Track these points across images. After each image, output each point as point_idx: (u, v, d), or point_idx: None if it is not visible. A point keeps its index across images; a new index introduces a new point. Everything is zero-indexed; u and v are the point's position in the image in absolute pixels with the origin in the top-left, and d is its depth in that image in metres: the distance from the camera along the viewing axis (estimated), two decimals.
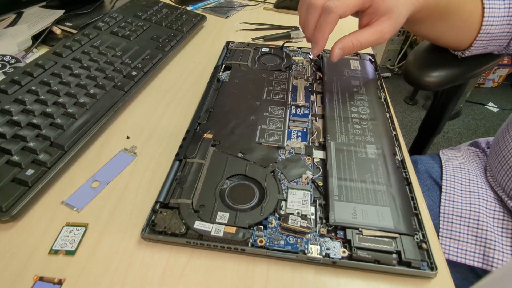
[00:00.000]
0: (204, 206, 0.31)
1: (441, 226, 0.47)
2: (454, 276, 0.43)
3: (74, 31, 0.58)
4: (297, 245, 0.29)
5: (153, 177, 0.36)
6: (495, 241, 0.43)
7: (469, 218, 0.46)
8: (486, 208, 0.46)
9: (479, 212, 0.46)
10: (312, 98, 0.46)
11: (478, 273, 0.45)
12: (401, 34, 1.89)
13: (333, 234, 0.30)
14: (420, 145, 0.81)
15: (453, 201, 0.49)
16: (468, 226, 0.46)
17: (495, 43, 0.51)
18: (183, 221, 0.30)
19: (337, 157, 0.36)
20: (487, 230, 0.44)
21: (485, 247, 0.44)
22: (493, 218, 0.46)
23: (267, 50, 0.55)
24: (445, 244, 0.46)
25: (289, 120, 0.42)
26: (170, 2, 0.72)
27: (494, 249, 0.43)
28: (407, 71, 0.56)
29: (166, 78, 0.51)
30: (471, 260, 0.44)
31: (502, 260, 0.42)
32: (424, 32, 0.51)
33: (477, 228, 0.45)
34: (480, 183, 0.50)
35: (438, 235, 0.46)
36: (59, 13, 0.59)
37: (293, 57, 0.54)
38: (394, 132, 0.40)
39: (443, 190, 0.51)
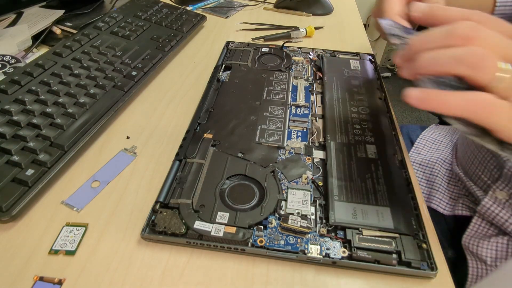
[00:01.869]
0: (204, 206, 0.31)
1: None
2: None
3: (74, 31, 0.58)
4: (297, 245, 0.29)
5: (153, 177, 0.36)
6: (440, 184, 0.53)
7: (426, 166, 0.56)
8: (443, 161, 0.55)
9: (435, 163, 0.55)
10: (312, 98, 0.46)
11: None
12: None
13: (333, 234, 0.30)
14: None
15: (419, 153, 0.59)
16: (424, 172, 0.55)
17: None
18: (183, 221, 0.30)
19: (337, 157, 0.36)
20: (436, 176, 0.54)
21: (431, 188, 0.53)
22: (446, 169, 0.54)
23: (267, 50, 0.55)
24: None
25: (289, 120, 0.42)
26: (170, 2, 0.72)
27: (437, 190, 0.52)
28: None
29: (166, 78, 0.51)
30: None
31: (440, 199, 0.52)
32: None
33: (430, 174, 0.55)
34: (448, 145, 0.58)
35: None
36: (59, 13, 0.59)
37: (293, 57, 0.54)
38: (394, 132, 0.40)
39: (414, 145, 0.60)
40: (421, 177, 0.55)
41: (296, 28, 0.64)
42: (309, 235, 0.30)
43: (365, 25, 1.70)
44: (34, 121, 0.37)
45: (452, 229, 0.51)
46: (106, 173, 0.36)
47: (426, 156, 0.57)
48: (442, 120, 0.84)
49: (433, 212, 0.51)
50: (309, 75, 0.50)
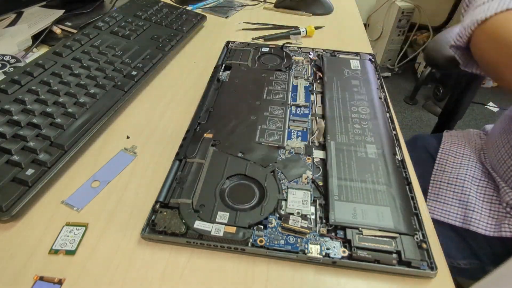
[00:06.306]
0: (204, 206, 0.31)
1: (429, 190, 0.53)
2: (437, 233, 0.47)
3: (74, 31, 0.58)
4: (297, 245, 0.29)
5: (153, 177, 0.36)
6: (475, 204, 0.49)
7: (455, 185, 0.51)
8: (472, 177, 0.52)
9: (464, 180, 0.51)
10: (312, 98, 0.46)
11: (459, 232, 0.50)
12: (401, 34, 1.88)
13: (333, 234, 0.30)
14: (441, 130, 0.84)
15: (444, 171, 0.55)
16: (454, 192, 0.52)
17: None
18: (183, 221, 0.30)
19: (337, 157, 0.36)
20: (469, 195, 0.50)
21: (466, 209, 0.49)
22: (478, 186, 0.51)
23: (267, 50, 0.55)
24: (431, 206, 0.52)
25: (289, 120, 0.42)
26: (170, 2, 0.72)
27: (473, 211, 0.49)
28: (428, 54, 0.64)
29: (166, 78, 0.51)
30: (453, 220, 0.50)
31: (479, 220, 0.48)
32: None
33: (461, 193, 0.51)
34: (471, 157, 0.55)
35: (426, 198, 0.53)
36: (59, 12, 0.59)
37: (293, 57, 0.54)
38: (394, 132, 0.40)
39: (436, 161, 0.56)
40: (452, 196, 0.51)
41: (296, 28, 0.64)
42: (309, 235, 0.30)
43: (365, 25, 1.70)
44: (34, 120, 0.37)
45: (500, 253, 0.48)
46: (106, 173, 0.36)
47: (453, 173, 0.53)
48: (440, 121, 0.84)
49: (472, 235, 0.48)
50: (309, 75, 0.50)
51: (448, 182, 0.52)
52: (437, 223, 0.50)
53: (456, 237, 0.50)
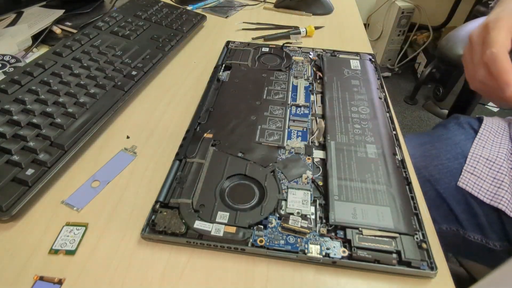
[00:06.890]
0: (204, 206, 0.31)
1: (467, 162, 0.53)
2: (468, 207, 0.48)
3: (74, 31, 0.58)
4: (297, 245, 0.29)
5: (153, 177, 0.36)
6: (509, 185, 0.48)
7: (494, 162, 0.51)
8: (510, 160, 0.51)
9: (504, 160, 0.50)
10: (312, 98, 0.46)
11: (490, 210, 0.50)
12: (401, 34, 1.88)
13: (333, 234, 0.30)
14: None
15: (483, 147, 0.54)
16: (490, 168, 0.50)
17: None
18: (183, 221, 0.30)
19: (337, 157, 0.36)
20: (506, 175, 0.49)
21: (498, 187, 0.49)
22: None
23: (267, 49, 0.55)
24: (466, 177, 0.51)
25: (289, 119, 0.42)
26: (170, 2, 0.72)
27: (506, 191, 0.48)
28: (441, 51, 0.66)
29: (166, 78, 0.51)
30: (483, 196, 0.49)
31: (509, 201, 0.47)
32: None
33: (498, 172, 0.50)
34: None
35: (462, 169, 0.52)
36: (59, 12, 0.59)
37: (293, 57, 0.54)
38: (394, 132, 0.40)
39: (477, 136, 0.56)
40: (487, 173, 0.50)
41: (296, 28, 0.64)
42: (309, 235, 0.30)
43: (365, 25, 1.70)
44: (34, 120, 0.37)
45: None
46: (106, 173, 0.36)
47: (493, 151, 0.52)
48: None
49: (498, 216, 0.48)
50: (309, 74, 0.50)
51: (488, 158, 0.51)
52: (470, 196, 0.50)
53: (477, 207, 0.50)
